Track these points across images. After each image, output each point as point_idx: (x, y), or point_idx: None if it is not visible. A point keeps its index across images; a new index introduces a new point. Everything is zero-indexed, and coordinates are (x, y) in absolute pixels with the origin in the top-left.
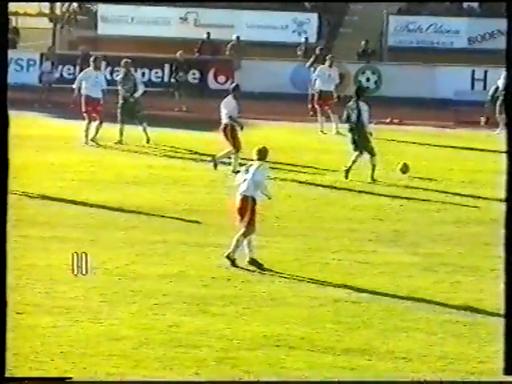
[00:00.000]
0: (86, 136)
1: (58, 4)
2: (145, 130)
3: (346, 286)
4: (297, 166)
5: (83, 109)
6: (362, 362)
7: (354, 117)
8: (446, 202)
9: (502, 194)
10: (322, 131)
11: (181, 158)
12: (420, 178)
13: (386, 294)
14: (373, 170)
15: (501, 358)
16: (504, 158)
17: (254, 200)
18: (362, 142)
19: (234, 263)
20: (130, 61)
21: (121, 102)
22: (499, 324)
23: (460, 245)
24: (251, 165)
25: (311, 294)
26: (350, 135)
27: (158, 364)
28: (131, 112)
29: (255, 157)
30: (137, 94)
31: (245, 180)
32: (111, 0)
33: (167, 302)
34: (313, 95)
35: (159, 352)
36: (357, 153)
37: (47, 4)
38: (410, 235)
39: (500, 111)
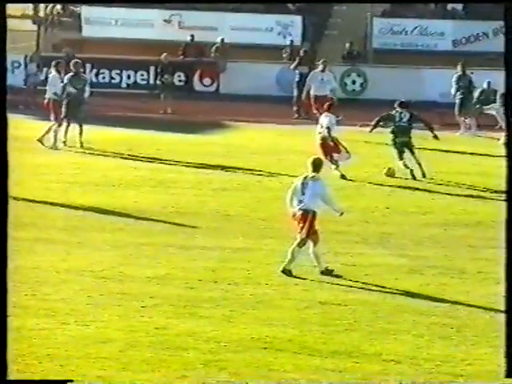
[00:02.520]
0: (55, 139)
1: (42, 6)
2: (81, 133)
3: (333, 288)
4: (282, 168)
5: (52, 112)
6: (349, 364)
7: (405, 119)
8: (433, 204)
9: (489, 196)
10: None
11: (166, 160)
12: (406, 180)
13: (372, 297)
14: (420, 166)
15: (488, 360)
16: (493, 160)
17: (314, 213)
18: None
19: (291, 274)
20: (80, 61)
21: (66, 100)
22: (486, 326)
23: (446, 247)
24: (306, 177)
25: (298, 296)
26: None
27: (146, 366)
28: (75, 111)
29: (310, 168)
30: (86, 94)
31: (303, 194)
32: (96, 1)
33: (154, 305)
34: (298, 97)
35: (146, 354)
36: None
37: (31, 6)
38: (396, 238)
39: (460, 113)
